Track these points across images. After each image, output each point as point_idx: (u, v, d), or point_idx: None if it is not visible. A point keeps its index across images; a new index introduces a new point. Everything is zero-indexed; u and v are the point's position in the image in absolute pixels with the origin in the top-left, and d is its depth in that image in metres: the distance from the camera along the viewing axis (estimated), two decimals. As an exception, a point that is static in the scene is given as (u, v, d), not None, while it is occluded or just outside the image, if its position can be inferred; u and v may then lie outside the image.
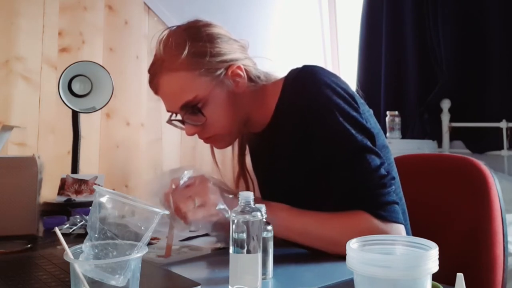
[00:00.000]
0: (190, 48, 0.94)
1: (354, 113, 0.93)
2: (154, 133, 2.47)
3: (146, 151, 2.44)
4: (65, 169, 1.72)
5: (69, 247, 0.58)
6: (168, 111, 1.01)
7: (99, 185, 1.48)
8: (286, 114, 0.99)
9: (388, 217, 0.86)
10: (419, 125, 2.84)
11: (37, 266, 0.82)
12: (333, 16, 3.33)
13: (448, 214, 1.12)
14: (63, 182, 1.48)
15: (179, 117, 1.02)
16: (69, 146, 1.77)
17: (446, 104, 2.77)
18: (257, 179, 1.15)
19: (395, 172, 1.02)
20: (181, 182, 0.87)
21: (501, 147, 2.58)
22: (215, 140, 1.03)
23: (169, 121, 1.04)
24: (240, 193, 0.71)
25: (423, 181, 1.18)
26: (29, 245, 0.96)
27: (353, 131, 0.91)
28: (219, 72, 0.95)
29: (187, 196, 0.85)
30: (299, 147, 0.97)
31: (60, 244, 0.58)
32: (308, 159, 0.96)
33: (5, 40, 2.01)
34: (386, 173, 0.90)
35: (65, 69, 1.61)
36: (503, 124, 2.57)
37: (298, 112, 0.95)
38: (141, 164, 2.42)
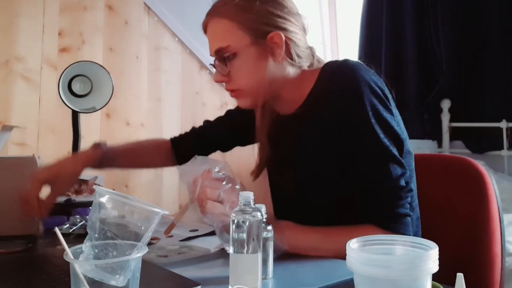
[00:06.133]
0: (240, 1, 0.96)
1: (388, 116, 0.92)
2: (154, 133, 2.47)
3: (146, 151, 2.44)
4: (65, 169, 1.72)
5: (69, 247, 0.58)
6: (210, 54, 1.03)
7: (99, 185, 1.48)
8: (318, 103, 0.98)
9: (397, 229, 0.87)
10: (419, 125, 2.84)
11: (37, 266, 0.82)
12: (333, 16, 3.33)
13: (447, 214, 1.12)
14: (63, 182, 1.48)
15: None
16: (69, 146, 1.77)
17: (446, 104, 2.77)
18: (272, 168, 1.13)
19: (414, 180, 1.01)
20: (213, 172, 0.88)
21: (501, 147, 2.58)
22: (238, 96, 1.03)
23: (211, 64, 1.05)
24: (240, 193, 0.71)
25: (422, 181, 1.18)
26: (29, 245, 0.96)
27: (381, 135, 0.90)
28: (258, 32, 0.96)
29: (215, 187, 0.86)
30: (325, 138, 0.96)
31: (60, 244, 0.58)
32: (331, 151, 0.95)
33: (5, 40, 2.01)
34: (404, 184, 0.90)
35: (65, 69, 1.61)
36: (503, 124, 2.56)
37: (331, 103, 0.94)
38: (141, 164, 2.42)
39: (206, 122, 1.32)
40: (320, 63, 1.04)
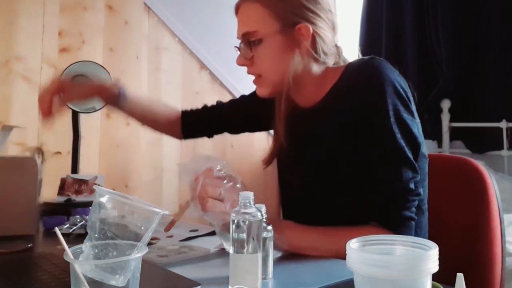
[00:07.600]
0: None
1: (408, 118, 0.92)
2: (154, 133, 2.47)
3: (146, 151, 2.44)
4: (65, 169, 1.72)
5: (69, 247, 0.58)
6: (237, 37, 1.03)
7: (99, 185, 1.48)
8: (339, 98, 0.98)
9: (400, 231, 0.87)
10: (419, 125, 2.84)
11: (37, 266, 0.82)
12: (333, 16, 3.33)
13: (447, 215, 1.12)
14: (63, 182, 1.48)
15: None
16: (69, 146, 1.77)
17: (446, 104, 2.77)
18: (282, 163, 1.13)
19: (426, 184, 1.00)
20: (215, 170, 0.88)
21: (501, 147, 2.58)
22: (258, 83, 1.03)
23: (236, 47, 1.05)
24: (241, 193, 0.71)
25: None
26: (29, 245, 0.96)
27: (398, 136, 0.89)
28: (287, 22, 0.97)
29: (216, 185, 0.86)
30: (341, 133, 0.96)
31: (60, 244, 0.58)
32: (345, 147, 0.95)
33: (5, 40, 2.01)
34: (413, 188, 0.89)
35: (65, 69, 1.61)
36: (503, 124, 2.57)
37: (352, 99, 0.94)
38: (141, 164, 2.42)
39: (220, 103, 1.32)
40: (346, 63, 1.04)
